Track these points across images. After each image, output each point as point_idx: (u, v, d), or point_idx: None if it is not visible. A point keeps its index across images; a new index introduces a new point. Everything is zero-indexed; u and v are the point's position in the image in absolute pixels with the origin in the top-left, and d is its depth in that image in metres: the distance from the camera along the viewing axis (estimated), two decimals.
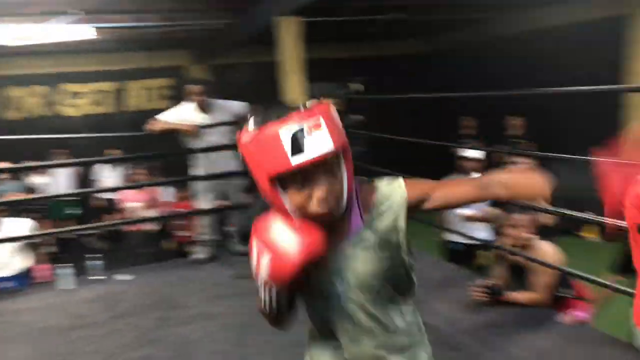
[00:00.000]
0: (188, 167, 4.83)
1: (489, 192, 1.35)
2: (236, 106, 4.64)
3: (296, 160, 1.09)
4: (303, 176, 1.14)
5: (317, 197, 1.15)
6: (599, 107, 7.44)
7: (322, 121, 1.12)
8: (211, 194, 4.67)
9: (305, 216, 1.17)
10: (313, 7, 4.84)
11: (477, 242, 4.19)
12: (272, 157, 1.10)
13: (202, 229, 4.73)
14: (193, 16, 6.85)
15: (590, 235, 7.22)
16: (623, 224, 1.63)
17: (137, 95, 9.82)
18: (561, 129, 8.14)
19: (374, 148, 5.19)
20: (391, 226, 1.28)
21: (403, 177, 1.32)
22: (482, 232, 4.33)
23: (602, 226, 6.77)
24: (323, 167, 1.15)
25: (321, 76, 5.38)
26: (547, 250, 3.15)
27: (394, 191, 1.29)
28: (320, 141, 1.10)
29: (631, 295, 2.06)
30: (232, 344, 3.10)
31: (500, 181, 1.35)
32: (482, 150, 5.24)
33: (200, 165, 4.62)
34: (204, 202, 4.68)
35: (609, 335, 2.83)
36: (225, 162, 4.58)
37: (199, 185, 4.68)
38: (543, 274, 3.08)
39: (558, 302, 3.13)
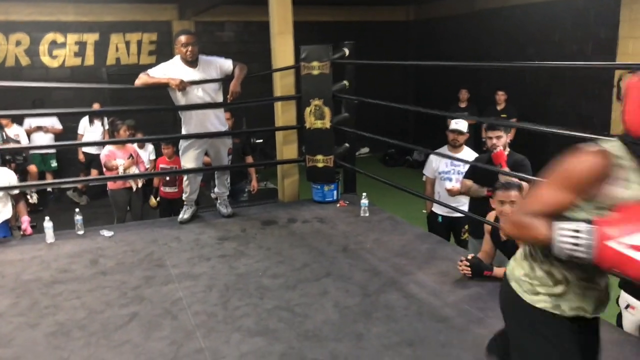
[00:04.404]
0: (173, 124, 4.73)
1: None
2: (224, 63, 4.48)
3: None
4: None
5: None
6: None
7: None
8: (198, 153, 4.56)
9: None
10: None
11: (461, 215, 4.21)
12: None
13: (187, 188, 4.66)
14: None
15: None
16: None
17: (119, 48, 9.55)
18: (541, 103, 8.23)
19: (357, 113, 5.18)
20: None
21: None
22: (465, 206, 4.27)
23: None
24: None
25: (308, 39, 5.30)
26: None
27: None
28: None
29: (617, 276, 2.10)
30: (216, 306, 3.10)
31: None
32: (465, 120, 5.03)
33: (189, 123, 4.47)
34: (191, 160, 4.56)
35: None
36: (215, 120, 4.51)
37: (186, 143, 4.55)
38: None
39: None
